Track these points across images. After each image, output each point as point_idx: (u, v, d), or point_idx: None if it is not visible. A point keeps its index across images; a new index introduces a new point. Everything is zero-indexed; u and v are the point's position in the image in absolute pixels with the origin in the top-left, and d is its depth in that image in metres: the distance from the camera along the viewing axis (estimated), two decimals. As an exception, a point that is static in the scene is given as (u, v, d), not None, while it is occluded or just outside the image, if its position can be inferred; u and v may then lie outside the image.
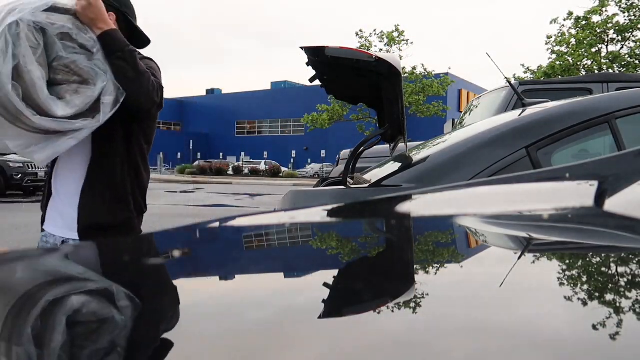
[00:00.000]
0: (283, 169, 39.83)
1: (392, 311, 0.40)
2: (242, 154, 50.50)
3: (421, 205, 1.08)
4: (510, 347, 0.33)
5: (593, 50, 18.48)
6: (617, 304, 0.41)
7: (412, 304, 0.43)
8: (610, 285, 0.48)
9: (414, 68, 26.73)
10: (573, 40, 18.60)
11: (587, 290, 0.46)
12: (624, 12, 18.28)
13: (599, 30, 18.40)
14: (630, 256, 0.58)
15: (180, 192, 17.48)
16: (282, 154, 49.34)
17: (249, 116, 53.96)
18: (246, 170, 36.46)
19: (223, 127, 55.09)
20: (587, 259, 0.59)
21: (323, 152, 44.33)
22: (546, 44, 19.35)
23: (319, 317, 0.40)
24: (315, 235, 0.86)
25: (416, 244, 0.73)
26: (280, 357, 0.33)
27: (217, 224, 0.97)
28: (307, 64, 2.29)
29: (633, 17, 18.15)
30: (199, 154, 49.78)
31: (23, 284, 0.56)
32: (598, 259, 0.59)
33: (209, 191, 18.16)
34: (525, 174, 1.64)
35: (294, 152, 50.22)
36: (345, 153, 5.98)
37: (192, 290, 0.53)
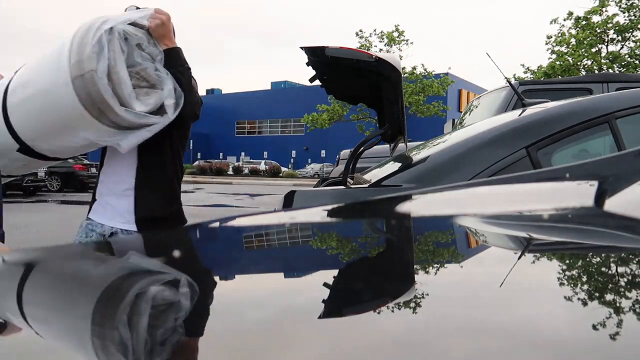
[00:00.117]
0: (283, 169, 39.84)
1: (392, 311, 0.40)
2: (242, 154, 50.51)
3: (421, 205, 1.08)
4: (510, 347, 0.33)
5: (593, 50, 18.48)
6: (617, 304, 0.41)
7: (412, 304, 0.43)
8: (610, 285, 0.48)
9: (414, 68, 26.73)
10: (573, 40, 18.60)
11: (587, 290, 0.46)
12: (624, 12, 18.28)
13: (599, 30, 18.40)
14: (630, 256, 0.58)
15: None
16: (282, 154, 49.34)
17: (249, 116, 53.95)
18: (246, 170, 36.45)
19: (223, 127, 55.05)
20: (587, 259, 0.59)
21: (323, 152, 44.32)
22: (546, 44, 19.37)
23: (319, 317, 0.40)
24: (315, 235, 0.86)
25: (416, 244, 0.73)
26: (280, 357, 0.33)
27: (217, 224, 0.97)
28: (307, 64, 2.28)
29: (633, 17, 18.15)
30: (199, 154, 49.78)
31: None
32: (598, 259, 0.59)
33: (209, 191, 18.16)
34: (525, 174, 1.64)
35: (294, 152, 50.21)
36: (345, 153, 5.98)
37: (192, 290, 0.53)
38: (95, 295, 0.53)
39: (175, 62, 1.86)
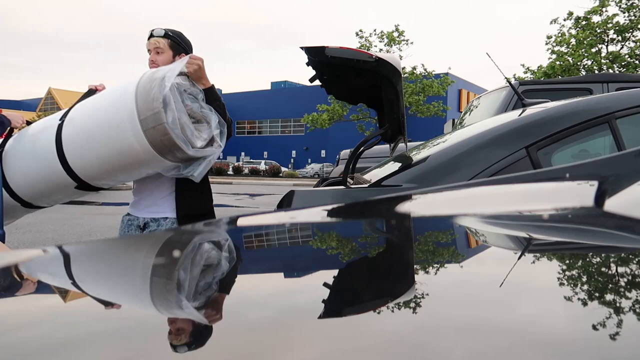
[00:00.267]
0: (283, 169, 39.81)
1: (392, 311, 0.40)
2: (242, 154, 50.50)
3: (421, 205, 1.08)
4: (511, 347, 0.33)
5: (593, 50, 18.47)
6: (617, 304, 0.41)
7: (412, 304, 0.43)
8: (610, 285, 0.48)
9: (414, 68, 26.72)
10: (573, 41, 18.60)
11: (587, 290, 0.46)
12: (624, 12, 18.27)
13: (599, 30, 18.40)
14: (630, 256, 0.58)
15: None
16: (282, 154, 49.33)
17: (249, 116, 53.93)
18: (246, 170, 36.43)
19: (223, 127, 54.80)
20: (587, 259, 0.59)
21: (323, 152, 44.30)
22: (546, 44, 19.35)
23: (319, 317, 0.40)
24: (315, 235, 0.86)
25: (416, 244, 0.73)
26: (280, 357, 0.33)
27: (217, 224, 0.97)
28: (307, 64, 2.28)
29: (633, 17, 18.15)
30: (198, 154, 49.58)
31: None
32: (598, 259, 0.59)
33: (209, 191, 18.08)
34: (525, 174, 1.64)
35: (294, 152, 50.20)
36: (345, 153, 5.98)
37: (192, 290, 0.53)
38: (97, 294, 0.53)
39: (213, 98, 2.21)
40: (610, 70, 17.91)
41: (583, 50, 18.38)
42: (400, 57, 24.19)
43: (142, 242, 0.86)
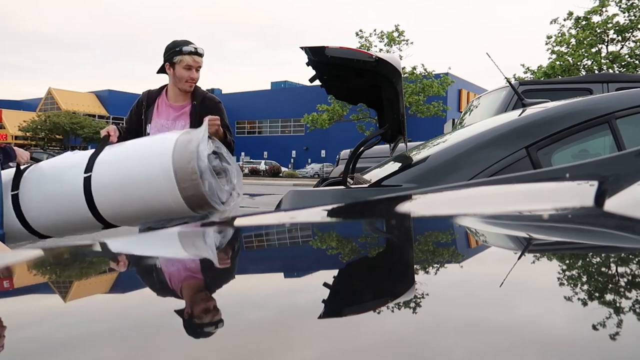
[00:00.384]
0: (283, 169, 39.78)
1: (392, 311, 0.40)
2: (242, 154, 50.48)
3: (421, 205, 1.08)
4: (511, 347, 0.33)
5: (593, 50, 18.47)
6: (617, 304, 0.41)
7: (412, 304, 0.43)
8: (610, 285, 0.48)
9: (414, 68, 26.71)
10: (573, 41, 18.60)
11: (587, 290, 0.46)
12: (624, 12, 18.27)
13: (599, 30, 18.40)
14: (630, 256, 0.58)
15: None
16: (282, 154, 49.32)
17: (249, 116, 53.93)
18: (246, 170, 36.41)
19: (223, 127, 54.85)
20: (587, 259, 0.59)
21: (323, 152, 44.29)
22: (546, 44, 19.35)
23: (319, 317, 0.40)
24: (315, 235, 0.86)
25: (416, 244, 0.73)
26: (280, 357, 0.33)
27: (217, 224, 0.97)
28: (307, 64, 2.28)
29: (633, 17, 18.15)
30: (199, 154, 49.56)
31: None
32: (598, 259, 0.59)
33: (209, 191, 18.06)
34: (525, 174, 1.65)
35: (294, 152, 50.19)
36: (345, 153, 5.97)
37: (192, 290, 0.53)
38: (96, 294, 0.53)
39: (226, 142, 2.50)
40: (610, 70, 17.91)
41: (583, 50, 18.38)
42: (400, 57, 24.18)
43: (141, 242, 0.86)
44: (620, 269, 0.53)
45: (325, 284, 0.51)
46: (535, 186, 1.19)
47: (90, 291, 0.55)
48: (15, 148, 2.60)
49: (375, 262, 0.62)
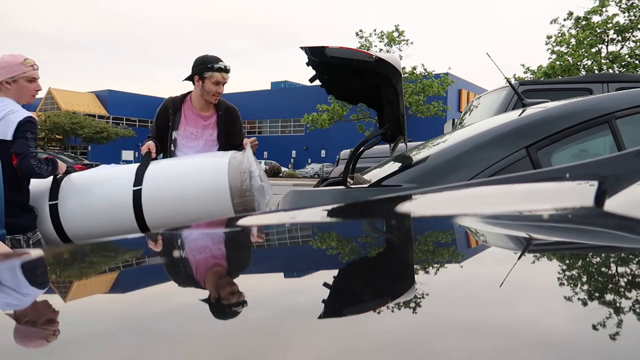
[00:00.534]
0: (283, 169, 39.76)
1: (392, 311, 0.40)
2: (242, 153, 50.31)
3: (421, 205, 1.08)
4: (511, 347, 0.33)
5: (593, 50, 18.46)
6: (617, 304, 0.41)
7: (412, 304, 0.43)
8: (610, 285, 0.48)
9: (414, 68, 26.69)
10: (573, 41, 18.59)
11: (587, 290, 0.46)
12: (624, 12, 18.26)
13: (599, 30, 18.39)
14: (630, 256, 0.58)
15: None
16: (282, 154, 49.29)
17: (249, 116, 53.88)
18: (246, 170, 36.18)
19: (223, 127, 54.80)
20: (587, 259, 0.59)
21: (323, 152, 44.28)
22: (546, 44, 19.34)
23: (319, 317, 0.40)
24: (315, 235, 0.86)
25: (416, 244, 0.73)
26: (281, 357, 0.33)
27: (216, 224, 0.97)
28: (307, 64, 2.28)
29: (633, 17, 18.14)
30: (198, 154, 49.60)
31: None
32: (598, 259, 0.59)
33: (209, 191, 18.03)
34: (525, 174, 1.64)
35: (294, 152, 50.18)
36: (345, 153, 5.97)
37: (192, 290, 0.53)
38: (96, 294, 0.53)
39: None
40: (610, 70, 17.90)
41: (583, 50, 18.37)
42: (400, 57, 24.17)
43: (140, 243, 0.86)
44: (620, 269, 0.53)
45: (325, 284, 0.51)
46: (535, 186, 1.19)
47: (89, 291, 0.55)
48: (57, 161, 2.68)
49: (375, 262, 0.62)
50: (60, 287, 0.57)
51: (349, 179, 2.21)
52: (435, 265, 0.59)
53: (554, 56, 19.04)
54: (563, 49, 18.93)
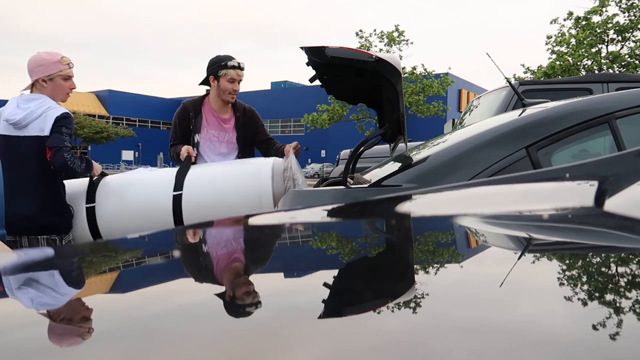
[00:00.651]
0: (283, 169, 39.57)
1: (392, 311, 0.40)
2: (243, 153, 50.32)
3: (421, 205, 1.08)
4: (511, 347, 0.33)
5: (593, 50, 18.45)
6: (617, 304, 0.41)
7: (412, 304, 0.43)
8: (610, 285, 0.48)
9: (414, 68, 26.68)
10: (573, 41, 18.58)
11: (587, 290, 0.46)
12: (624, 12, 18.25)
13: (599, 30, 18.38)
14: (630, 256, 0.58)
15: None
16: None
17: (249, 116, 53.77)
18: (246, 170, 36.21)
19: (223, 127, 54.79)
20: (587, 259, 0.59)
21: (323, 152, 44.30)
22: (546, 44, 19.33)
23: (319, 317, 0.40)
24: (316, 235, 0.86)
25: (416, 244, 0.73)
26: (281, 357, 0.33)
27: (216, 225, 0.97)
28: (307, 64, 2.28)
29: (633, 17, 18.13)
30: (199, 154, 49.63)
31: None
32: (598, 259, 0.59)
33: (209, 191, 18.02)
34: (525, 174, 1.64)
35: (294, 152, 50.08)
36: (345, 153, 5.97)
37: (192, 290, 0.53)
38: (96, 294, 0.53)
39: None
40: (610, 70, 17.90)
41: (583, 50, 18.36)
42: (400, 57, 24.17)
43: (140, 243, 0.86)
44: (620, 269, 0.53)
45: (325, 284, 0.51)
46: (535, 186, 1.19)
47: (89, 291, 0.55)
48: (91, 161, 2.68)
49: (375, 262, 0.62)
50: (59, 287, 0.57)
51: (349, 179, 2.21)
52: (435, 265, 0.59)
53: (554, 56, 19.03)
54: (563, 49, 18.92)
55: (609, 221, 0.74)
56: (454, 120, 7.13)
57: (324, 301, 0.45)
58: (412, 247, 0.70)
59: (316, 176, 35.62)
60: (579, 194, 1.00)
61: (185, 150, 2.72)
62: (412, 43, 26.69)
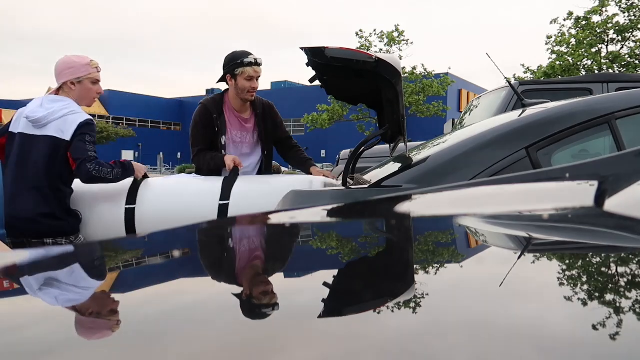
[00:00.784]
0: (283, 169, 39.73)
1: (392, 311, 0.40)
2: (243, 154, 50.31)
3: (421, 205, 1.08)
4: (511, 346, 0.33)
5: (593, 50, 18.45)
6: (617, 304, 0.41)
7: (412, 304, 0.43)
8: (610, 285, 0.48)
9: (414, 68, 26.67)
10: (573, 41, 18.58)
11: (587, 290, 0.46)
12: (624, 12, 18.25)
13: (599, 30, 18.38)
14: (630, 256, 0.58)
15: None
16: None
17: (249, 116, 53.78)
18: (246, 171, 36.20)
19: (223, 127, 54.78)
20: (587, 259, 0.59)
21: (323, 152, 44.29)
22: (546, 44, 19.33)
23: (319, 317, 0.40)
24: (315, 235, 0.86)
25: (416, 244, 0.73)
26: (281, 357, 0.33)
27: (217, 224, 0.97)
28: (307, 65, 2.28)
29: (633, 17, 18.13)
30: (199, 154, 49.64)
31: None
32: (598, 259, 0.59)
33: (209, 191, 18.02)
34: (525, 174, 1.65)
35: (294, 152, 50.10)
36: (345, 153, 5.97)
37: (192, 290, 0.53)
38: (96, 294, 0.53)
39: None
40: (610, 70, 17.90)
41: (583, 50, 18.36)
42: (400, 57, 24.16)
43: (139, 243, 0.86)
44: (620, 269, 0.53)
45: (325, 284, 0.52)
46: (535, 186, 1.19)
47: (89, 291, 0.55)
48: (133, 163, 2.59)
49: (375, 262, 0.62)
50: (59, 287, 0.57)
51: (349, 179, 2.21)
52: (435, 265, 0.59)
53: (554, 56, 19.03)
54: (563, 49, 18.92)
55: (609, 221, 0.74)
56: (454, 120, 7.13)
57: (323, 301, 0.45)
58: (412, 247, 0.70)
59: (316, 176, 35.48)
60: (579, 194, 1.00)
61: (231, 160, 2.61)
62: (412, 43, 26.68)
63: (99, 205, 2.52)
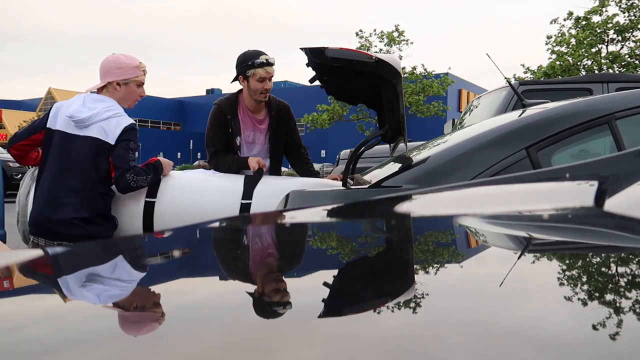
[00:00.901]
0: (283, 169, 39.68)
1: (392, 311, 0.40)
2: (242, 154, 50.29)
3: (421, 205, 1.08)
4: (511, 346, 0.33)
5: (593, 50, 18.46)
6: (617, 304, 0.41)
7: (412, 304, 0.43)
8: (610, 285, 0.48)
9: (414, 68, 26.66)
10: (573, 40, 18.58)
11: (587, 290, 0.46)
12: (624, 12, 18.25)
13: (599, 30, 18.38)
14: (630, 256, 0.58)
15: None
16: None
17: (249, 116, 53.77)
18: (246, 171, 36.23)
19: (223, 127, 54.80)
20: (587, 259, 0.59)
21: (323, 152, 44.29)
22: (546, 44, 19.33)
23: (319, 317, 0.40)
24: (315, 235, 0.86)
25: (416, 244, 0.73)
26: (281, 357, 0.33)
27: (217, 224, 0.97)
28: (308, 65, 2.29)
29: (633, 17, 18.13)
30: (199, 154, 49.67)
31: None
32: (598, 259, 0.59)
33: (209, 191, 18.03)
34: (525, 174, 1.65)
35: (294, 152, 50.11)
36: (345, 153, 5.97)
37: (192, 290, 0.53)
38: (95, 294, 0.53)
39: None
40: (610, 70, 17.90)
41: (583, 50, 18.36)
42: (400, 57, 24.16)
43: (139, 243, 0.86)
44: (620, 269, 0.53)
45: (325, 284, 0.52)
46: (535, 186, 1.19)
47: (89, 291, 0.55)
48: (162, 159, 2.53)
49: (375, 262, 0.62)
50: (59, 287, 0.57)
51: (349, 180, 2.21)
52: (435, 265, 0.59)
53: (554, 56, 19.03)
54: (563, 49, 18.92)
55: (609, 221, 0.74)
56: (454, 120, 7.13)
57: (324, 301, 0.45)
58: (412, 247, 0.70)
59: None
60: (579, 194, 1.00)
61: (255, 163, 2.59)
62: (412, 43, 26.67)
63: (119, 195, 2.44)
